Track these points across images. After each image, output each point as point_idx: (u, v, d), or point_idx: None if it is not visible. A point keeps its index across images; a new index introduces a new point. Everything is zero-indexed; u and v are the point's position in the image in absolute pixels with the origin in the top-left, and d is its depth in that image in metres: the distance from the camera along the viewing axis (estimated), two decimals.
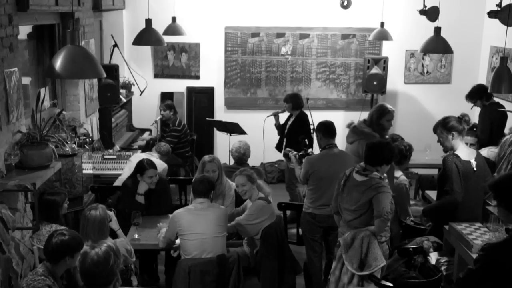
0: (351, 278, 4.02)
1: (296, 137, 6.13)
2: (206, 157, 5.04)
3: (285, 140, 6.70)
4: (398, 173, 5.10)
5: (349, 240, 4.05)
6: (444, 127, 4.41)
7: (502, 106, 6.51)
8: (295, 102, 6.64)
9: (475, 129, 6.59)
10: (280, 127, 6.85)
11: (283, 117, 6.92)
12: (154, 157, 5.85)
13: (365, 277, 3.98)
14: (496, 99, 6.52)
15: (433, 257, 4.45)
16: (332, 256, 4.94)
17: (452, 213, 4.32)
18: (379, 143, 4.30)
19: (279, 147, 6.83)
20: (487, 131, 6.18)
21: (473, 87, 6.56)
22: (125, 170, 5.63)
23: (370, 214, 4.09)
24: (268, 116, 7.01)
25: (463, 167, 4.29)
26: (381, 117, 5.38)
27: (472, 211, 4.35)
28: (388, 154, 4.15)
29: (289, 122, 6.74)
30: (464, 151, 4.38)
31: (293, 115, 6.71)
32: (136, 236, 4.49)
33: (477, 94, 6.41)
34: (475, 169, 4.32)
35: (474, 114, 6.70)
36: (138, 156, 5.85)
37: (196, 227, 4.20)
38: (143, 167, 4.92)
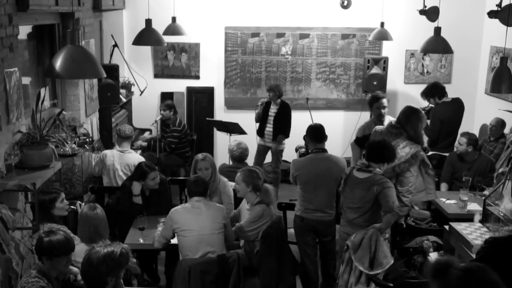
0: (359, 277, 4.03)
1: (282, 124, 7.02)
2: (199, 155, 5.04)
3: (272, 128, 7.07)
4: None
5: (357, 242, 4.05)
6: None
7: (458, 103, 6.44)
8: (281, 92, 7.11)
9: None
10: (261, 116, 7.19)
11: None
12: (129, 151, 5.91)
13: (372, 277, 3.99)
14: (450, 97, 6.48)
15: (433, 257, 4.45)
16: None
17: None
18: (383, 142, 4.34)
19: (261, 133, 7.24)
20: (436, 131, 6.18)
21: (428, 85, 6.66)
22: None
23: (374, 211, 4.13)
24: (257, 108, 7.19)
25: None
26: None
27: None
28: (390, 153, 4.21)
29: (273, 111, 7.11)
30: None
31: (276, 104, 7.09)
32: (141, 240, 4.44)
33: (430, 92, 6.49)
34: None
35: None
36: (108, 154, 5.83)
37: (192, 224, 4.19)
38: (144, 171, 4.87)
